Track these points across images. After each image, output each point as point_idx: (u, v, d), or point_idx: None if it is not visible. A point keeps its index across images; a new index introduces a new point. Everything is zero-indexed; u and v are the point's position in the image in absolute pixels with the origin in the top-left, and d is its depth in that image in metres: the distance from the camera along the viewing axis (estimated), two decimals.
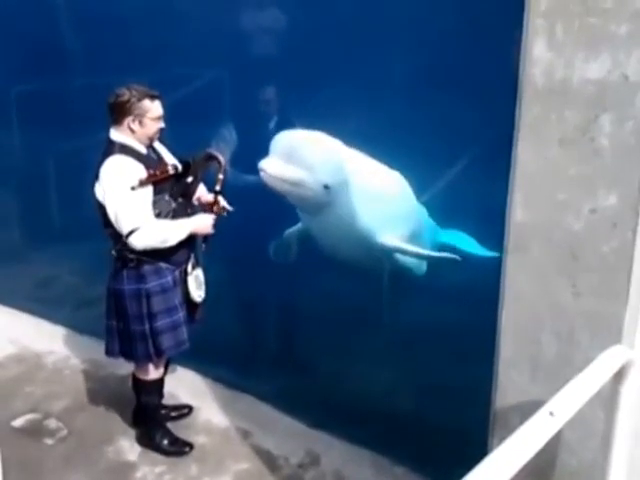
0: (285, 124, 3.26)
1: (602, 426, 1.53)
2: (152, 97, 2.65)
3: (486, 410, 1.94)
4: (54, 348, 3.94)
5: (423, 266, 3.22)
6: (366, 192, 3.04)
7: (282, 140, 2.97)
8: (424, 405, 2.98)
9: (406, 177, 3.12)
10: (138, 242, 2.60)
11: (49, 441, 3.11)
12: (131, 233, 2.57)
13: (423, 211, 3.26)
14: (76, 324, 4.10)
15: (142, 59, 3.42)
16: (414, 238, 3.13)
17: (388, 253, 3.10)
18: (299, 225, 3.38)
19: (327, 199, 2.98)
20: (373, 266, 3.15)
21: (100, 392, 3.50)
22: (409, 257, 3.15)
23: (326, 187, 2.93)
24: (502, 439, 1.19)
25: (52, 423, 3.24)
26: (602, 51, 1.57)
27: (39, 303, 4.33)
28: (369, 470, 2.89)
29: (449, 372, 2.85)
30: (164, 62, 3.46)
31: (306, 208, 3.15)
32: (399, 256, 3.12)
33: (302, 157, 2.91)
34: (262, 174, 2.92)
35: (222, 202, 2.79)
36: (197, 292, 2.84)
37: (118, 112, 2.63)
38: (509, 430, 1.23)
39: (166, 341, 2.77)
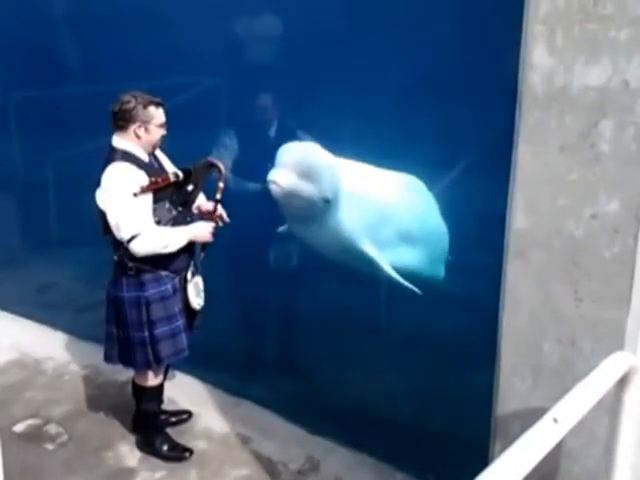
0: (286, 131, 3.26)
1: (605, 433, 1.52)
2: (157, 104, 2.67)
3: (487, 417, 1.93)
4: (54, 354, 3.95)
5: (439, 271, 3.18)
6: (357, 200, 3.05)
7: (291, 153, 2.94)
8: (425, 411, 2.97)
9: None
10: (139, 248, 2.60)
11: (50, 446, 3.11)
12: (132, 239, 2.58)
13: (429, 218, 3.23)
14: (76, 330, 4.10)
15: (142, 67, 3.43)
16: (410, 241, 3.12)
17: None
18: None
19: (324, 212, 2.99)
20: (369, 272, 3.14)
21: (100, 398, 3.50)
22: (419, 261, 3.13)
23: (327, 201, 2.95)
24: (503, 446, 1.19)
25: (52, 428, 3.23)
26: (602, 57, 1.57)
27: (39, 309, 4.33)
28: (369, 476, 2.88)
29: (450, 378, 2.84)
30: (164, 70, 3.46)
31: (300, 220, 3.14)
32: (402, 263, 3.11)
33: (311, 171, 2.90)
34: (273, 187, 2.88)
35: (220, 211, 2.80)
36: (196, 300, 2.85)
37: (123, 119, 2.64)
38: (510, 437, 1.23)
39: (165, 349, 2.77)
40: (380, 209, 3.11)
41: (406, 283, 2.99)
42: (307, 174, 2.87)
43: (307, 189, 2.88)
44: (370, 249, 3.02)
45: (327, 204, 2.95)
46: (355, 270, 3.14)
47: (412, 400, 3.04)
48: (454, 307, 2.85)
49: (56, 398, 3.50)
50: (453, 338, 2.80)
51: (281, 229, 3.35)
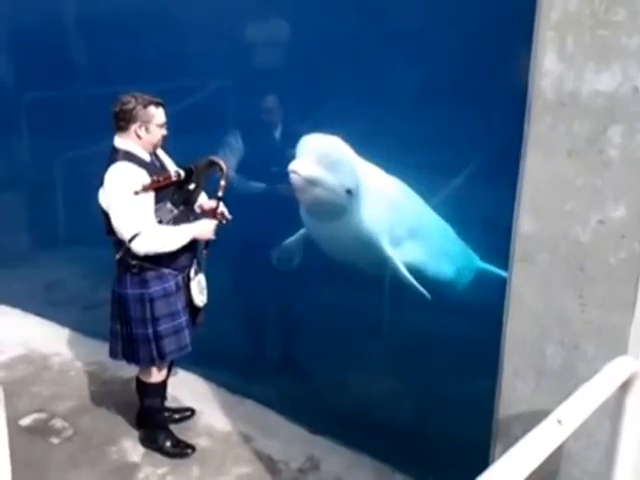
0: (290, 132, 3.28)
1: (606, 437, 1.52)
2: (157, 104, 2.69)
3: (489, 419, 1.93)
4: (61, 350, 3.98)
5: (446, 268, 3.15)
6: (376, 197, 3.04)
7: (311, 143, 2.94)
8: (426, 413, 2.98)
9: (414, 188, 3.13)
10: (140, 247, 2.63)
11: (55, 440, 3.14)
12: (133, 238, 2.60)
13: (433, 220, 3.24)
14: (82, 327, 4.14)
15: (150, 69, 3.46)
16: (420, 239, 3.13)
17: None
18: (301, 232, 3.37)
19: (346, 204, 2.97)
20: (377, 272, 3.15)
21: (105, 394, 3.53)
22: (423, 258, 3.13)
23: (349, 192, 2.94)
24: (504, 448, 1.18)
25: (58, 423, 3.26)
26: (613, 63, 1.57)
27: (47, 306, 4.38)
28: (369, 476, 2.88)
29: (451, 380, 2.84)
30: (171, 71, 3.50)
31: (322, 213, 3.11)
32: (410, 260, 3.10)
33: (332, 160, 2.89)
34: (293, 176, 2.88)
35: (222, 209, 2.81)
36: (199, 297, 2.86)
37: (124, 119, 2.66)
38: (511, 440, 1.23)
39: (168, 345, 2.80)
40: (395, 207, 3.12)
41: (418, 286, 2.99)
42: (327, 164, 2.87)
43: (327, 178, 2.87)
44: (389, 248, 3.03)
45: (349, 196, 2.93)
46: (362, 271, 3.15)
47: (413, 402, 3.04)
48: (457, 310, 2.86)
49: (62, 393, 3.53)
50: (455, 340, 2.81)
51: (292, 239, 3.35)
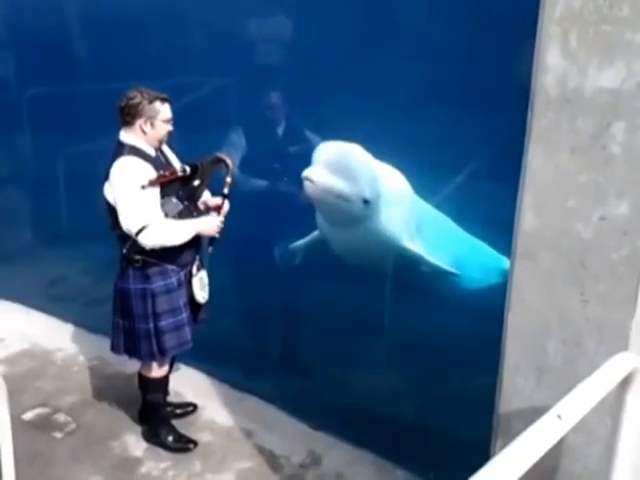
0: (294, 130, 3.28)
1: (606, 433, 1.52)
2: (162, 100, 2.70)
3: (490, 415, 1.94)
4: (64, 345, 4.00)
5: (466, 269, 3.13)
6: (395, 199, 3.03)
7: (328, 151, 2.91)
8: (427, 409, 2.98)
9: (416, 185, 3.12)
10: (148, 240, 2.63)
11: (58, 435, 3.16)
12: (141, 231, 2.61)
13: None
14: (85, 322, 4.16)
15: (154, 65, 3.47)
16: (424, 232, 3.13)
17: (413, 262, 3.08)
18: (312, 236, 3.35)
19: (364, 214, 2.94)
20: (383, 269, 3.15)
21: (107, 389, 3.54)
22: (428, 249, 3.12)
23: (365, 202, 2.91)
24: (504, 445, 1.18)
25: (61, 417, 3.28)
26: (617, 59, 1.57)
27: (50, 301, 4.40)
28: (370, 472, 2.89)
29: (452, 377, 2.85)
30: (176, 68, 3.50)
31: (339, 221, 3.09)
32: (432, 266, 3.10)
33: (348, 170, 2.86)
34: (307, 184, 2.85)
35: (227, 206, 2.81)
36: (201, 293, 2.87)
37: (129, 114, 2.66)
38: (512, 436, 1.22)
39: (169, 340, 2.80)
40: (410, 203, 3.11)
41: (448, 268, 2.98)
42: (343, 173, 2.83)
43: (342, 188, 2.84)
44: (410, 244, 3.02)
45: (366, 205, 2.90)
46: (366, 268, 3.14)
47: (414, 398, 3.05)
48: (457, 307, 2.86)
49: (65, 388, 3.55)
50: (455, 337, 2.81)
51: (302, 242, 3.34)
